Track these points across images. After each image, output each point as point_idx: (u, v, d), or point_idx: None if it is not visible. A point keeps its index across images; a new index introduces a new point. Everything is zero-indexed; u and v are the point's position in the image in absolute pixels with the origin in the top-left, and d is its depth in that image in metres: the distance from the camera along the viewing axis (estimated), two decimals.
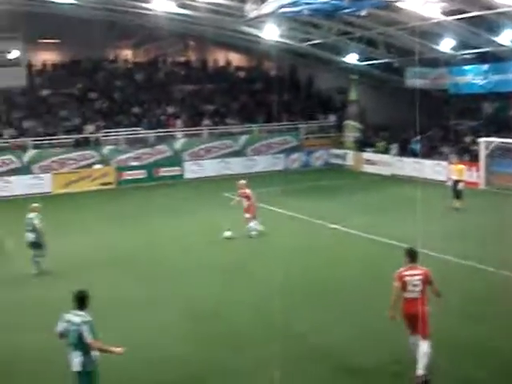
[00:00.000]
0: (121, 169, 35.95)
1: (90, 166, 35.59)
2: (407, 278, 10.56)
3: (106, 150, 36.36)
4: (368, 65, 38.71)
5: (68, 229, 23.79)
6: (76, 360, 9.06)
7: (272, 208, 25.13)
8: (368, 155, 38.27)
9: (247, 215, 21.62)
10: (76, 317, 9.12)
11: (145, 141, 38.04)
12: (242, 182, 22.14)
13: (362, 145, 39.68)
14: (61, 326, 9.22)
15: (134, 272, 18.14)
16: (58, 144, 36.24)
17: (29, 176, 33.86)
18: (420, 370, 10.37)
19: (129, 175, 35.91)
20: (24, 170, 34.19)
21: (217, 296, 15.58)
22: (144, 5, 32.62)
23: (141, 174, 36.20)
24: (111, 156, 36.34)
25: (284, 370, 10.49)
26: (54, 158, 35.04)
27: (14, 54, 42.07)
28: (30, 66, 42.71)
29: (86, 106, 40.68)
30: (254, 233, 21.48)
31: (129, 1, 33.09)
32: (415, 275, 10.58)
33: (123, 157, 36.69)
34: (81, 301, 9.24)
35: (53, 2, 34.69)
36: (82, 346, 9.02)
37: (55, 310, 12.77)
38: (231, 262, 18.82)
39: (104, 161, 35.98)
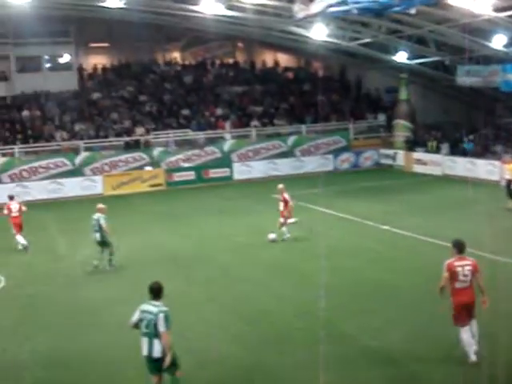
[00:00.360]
0: (170, 170, 36.25)
1: (140, 167, 36.00)
2: (458, 269, 10.86)
3: (156, 152, 36.71)
4: (418, 63, 38.14)
5: (120, 230, 23.99)
6: (156, 347, 9.49)
7: (321, 209, 24.96)
8: (419, 155, 37.67)
9: (282, 219, 21.23)
10: (153, 307, 9.59)
11: (194, 143, 38.31)
12: (281, 186, 21.90)
13: (412, 144, 39.10)
14: (136, 316, 9.67)
15: (183, 271, 18.25)
16: (109, 146, 36.79)
17: (81, 178, 34.43)
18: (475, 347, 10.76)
19: (178, 177, 36.16)
20: (76, 172, 34.78)
21: (265, 296, 15.56)
22: (192, 7, 32.79)
23: (190, 175, 36.43)
24: (161, 158, 36.67)
25: (336, 373, 10.37)
26: (106, 160, 35.58)
27: (66, 58, 42.93)
28: (81, 69, 43.49)
29: (136, 109, 41.19)
30: (287, 235, 21.18)
31: (176, 4, 33.29)
32: (466, 265, 10.89)
33: (173, 159, 36.98)
34: (157, 291, 9.70)
35: (103, 7, 35.11)
36: (159, 333, 9.47)
37: (116, 309, 12.97)
38: (280, 262, 18.79)
39: (154, 163, 36.33)
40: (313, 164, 38.60)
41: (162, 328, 9.41)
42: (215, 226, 24.62)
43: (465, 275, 10.84)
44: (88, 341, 13.08)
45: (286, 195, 21.30)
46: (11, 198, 22.75)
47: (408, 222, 23.04)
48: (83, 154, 35.44)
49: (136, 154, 36.32)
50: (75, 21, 40.90)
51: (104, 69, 44.64)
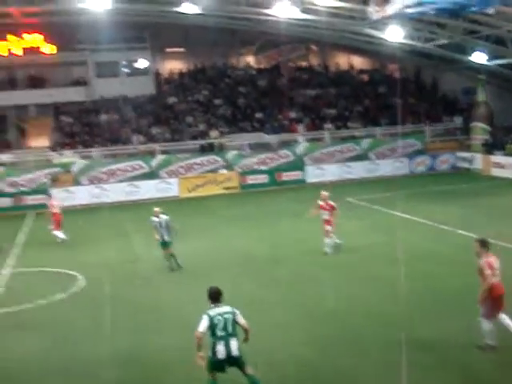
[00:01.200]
0: (244, 173, 36.50)
1: (214, 170, 36.38)
2: (495, 265, 11.74)
3: (230, 154, 37.03)
4: (496, 64, 37.14)
5: (194, 231, 24.42)
6: (235, 346, 9.90)
7: (396, 213, 24.57)
8: (497, 158, 36.62)
9: (328, 228, 20.09)
10: (223, 308, 10.05)
11: (268, 146, 38.45)
12: (325, 193, 21.29)
13: (490, 147, 38.06)
14: (206, 323, 9.85)
15: (256, 273, 18.33)
16: (185, 149, 37.35)
17: (157, 180, 35.09)
18: None
19: (252, 179, 36.40)
20: (152, 174, 35.48)
21: (337, 298, 15.43)
22: (266, 11, 32.97)
23: (263, 178, 36.61)
24: (235, 161, 36.96)
25: (412, 378, 10.19)
26: (181, 163, 36.14)
27: (143, 63, 43.87)
28: (157, 74, 44.35)
29: (210, 112, 41.70)
30: (328, 250, 20.06)
31: (251, 8, 33.55)
32: (496, 261, 11.85)
33: (246, 161, 37.22)
34: (218, 296, 10.15)
35: (178, 13, 35.76)
36: (235, 332, 9.97)
37: (192, 309, 13.07)
38: (353, 264, 18.62)
39: (228, 166, 36.65)
40: (387, 167, 38.05)
41: (242, 320, 10.05)
42: (287, 228, 24.61)
43: (497, 269, 11.73)
44: (165, 340, 13.30)
45: (332, 203, 20.45)
46: (50, 196, 25.80)
47: (486, 227, 22.39)
48: (159, 157, 36.13)
49: (211, 157, 36.75)
50: (151, 26, 41.79)
51: (180, 73, 45.38)
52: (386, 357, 11.51)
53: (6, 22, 38.76)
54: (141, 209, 31.25)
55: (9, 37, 40.48)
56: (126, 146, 37.57)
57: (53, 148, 37.91)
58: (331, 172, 37.53)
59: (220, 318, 9.87)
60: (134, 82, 42.66)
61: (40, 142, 40.23)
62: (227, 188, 35.70)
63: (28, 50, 41.07)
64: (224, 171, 36.39)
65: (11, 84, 42.45)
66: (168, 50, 45.77)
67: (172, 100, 42.83)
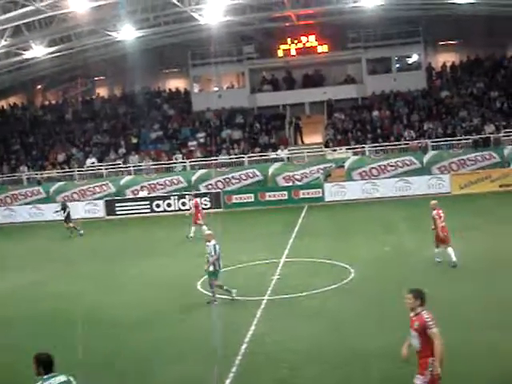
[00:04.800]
0: None
1: (489, 167, 34.66)
2: None
3: (507, 150, 34.96)
4: None
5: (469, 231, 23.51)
6: None
7: None
8: None
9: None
10: (58, 377, 8.12)
11: None
12: (434, 201, 19.37)
13: None
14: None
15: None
16: (457, 145, 36.16)
17: (428, 176, 34.49)
18: None
19: None
20: (424, 170, 34.95)
21: None
22: None
23: None
24: None
25: None
26: (453, 159, 35.08)
27: (414, 58, 43.41)
28: (429, 68, 43.56)
29: (485, 106, 39.88)
30: (439, 259, 18.83)
31: None
32: None
33: None
34: (51, 363, 8.14)
35: (451, 3, 34.75)
36: None
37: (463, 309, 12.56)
38: None
39: (504, 162, 34.68)
40: None
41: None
42: None
43: None
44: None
45: (435, 212, 18.84)
46: (196, 195, 29.10)
47: None
48: (431, 153, 35.47)
49: (485, 153, 35.08)
50: (423, 20, 41.11)
51: (452, 66, 44.07)
52: None
53: (284, 25, 41.04)
54: (411, 205, 30.99)
55: (288, 39, 42.69)
56: (398, 142, 37.46)
57: (326, 144, 39.22)
58: None
59: None
60: (405, 77, 42.36)
61: (314, 138, 41.87)
62: (503, 185, 33.75)
63: (303, 51, 42.93)
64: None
65: (289, 84, 44.75)
66: (441, 42, 44.69)
67: (444, 94, 41.74)
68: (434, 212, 18.92)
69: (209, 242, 16.86)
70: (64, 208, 30.98)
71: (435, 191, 33.28)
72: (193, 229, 26.33)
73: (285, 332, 14.21)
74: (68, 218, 30.70)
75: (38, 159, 43.16)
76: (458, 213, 27.26)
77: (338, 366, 12.16)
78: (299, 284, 17.95)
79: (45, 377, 7.93)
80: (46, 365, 8.02)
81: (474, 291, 15.92)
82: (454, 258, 18.33)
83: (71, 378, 8.14)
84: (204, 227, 24.31)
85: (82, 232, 30.41)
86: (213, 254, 16.59)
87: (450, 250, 18.49)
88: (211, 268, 16.66)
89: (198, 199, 28.66)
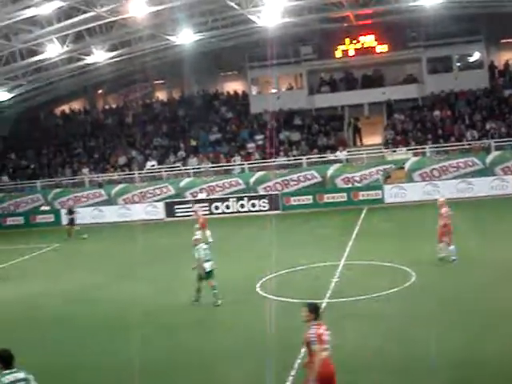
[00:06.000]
0: None
1: None
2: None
3: None
4: None
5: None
6: None
7: None
8: None
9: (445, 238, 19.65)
10: (17, 374, 8.72)
11: None
12: (441, 199, 19.91)
13: None
14: None
15: None
16: None
17: (491, 178, 33.65)
18: None
19: None
20: (487, 171, 34.11)
21: None
22: None
23: None
24: None
25: None
26: None
27: (476, 56, 42.50)
28: (492, 67, 42.57)
29: None
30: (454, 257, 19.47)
31: None
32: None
33: None
34: (12, 359, 8.72)
35: None
36: None
37: None
38: None
39: None
40: None
41: None
42: None
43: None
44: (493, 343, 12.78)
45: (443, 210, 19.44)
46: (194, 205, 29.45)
47: None
48: (494, 153, 34.60)
49: None
50: (485, 18, 40.17)
51: None
52: None
53: (342, 25, 40.75)
54: (473, 206, 30.36)
55: (346, 40, 42.38)
56: (459, 143, 36.69)
57: (385, 145, 38.74)
58: None
59: None
60: (466, 76, 41.50)
61: (373, 139, 41.43)
62: None
63: (361, 51, 42.55)
64: None
65: (348, 84, 44.41)
66: (503, 40, 43.59)
67: (508, 93, 40.68)
68: (444, 210, 19.64)
69: (196, 245, 17.61)
70: (71, 212, 33.07)
71: (499, 192, 32.52)
72: (208, 233, 26.10)
73: (345, 336, 14.02)
74: (72, 222, 32.79)
75: (100, 162, 44.06)
76: None
77: (398, 372, 11.96)
78: (359, 287, 17.75)
79: (5, 371, 8.56)
80: (7, 360, 8.60)
81: None
82: (454, 257, 19.52)
83: (30, 377, 8.68)
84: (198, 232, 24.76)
85: (85, 236, 32.17)
86: (200, 257, 17.36)
87: (452, 247, 19.60)
88: (203, 271, 17.29)
89: (198, 206, 29.27)
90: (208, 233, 25.58)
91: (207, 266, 17.40)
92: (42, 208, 39.86)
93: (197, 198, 37.34)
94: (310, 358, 9.52)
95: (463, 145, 36.36)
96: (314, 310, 9.71)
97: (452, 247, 19.71)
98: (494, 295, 16.10)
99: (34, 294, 21.04)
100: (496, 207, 30.12)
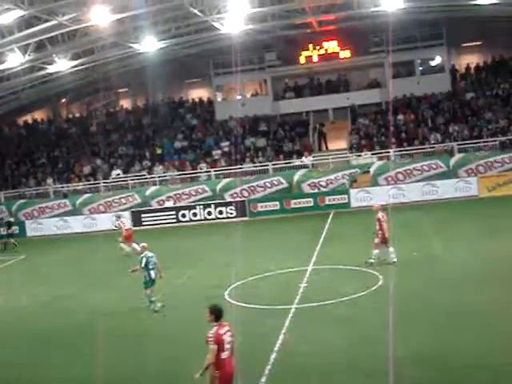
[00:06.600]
0: None
1: None
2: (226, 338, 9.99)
3: None
4: None
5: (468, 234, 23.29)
6: None
7: None
8: None
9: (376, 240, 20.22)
10: None
11: None
12: (377, 205, 20.72)
13: None
14: None
15: None
16: (484, 147, 35.71)
17: (455, 180, 34.08)
18: None
19: None
20: (450, 174, 34.54)
21: None
22: None
23: None
24: None
25: None
26: (480, 162, 34.60)
27: (438, 60, 43.08)
28: (453, 70, 43.18)
29: (511, 107, 39.38)
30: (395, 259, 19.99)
31: None
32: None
33: None
34: None
35: (475, 5, 34.41)
36: None
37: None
38: None
39: None
40: None
41: None
42: None
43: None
44: (461, 341, 12.92)
45: (380, 215, 19.98)
46: (118, 217, 29.52)
47: None
48: (457, 156, 35.07)
49: None
50: (446, 22, 40.77)
51: (476, 68, 43.63)
52: None
53: (305, 32, 40.97)
54: (437, 208, 30.74)
55: (309, 46, 42.62)
56: (423, 146, 37.13)
57: (350, 150, 39.01)
58: None
59: None
60: (429, 80, 42.07)
61: (338, 144, 41.69)
62: None
63: (325, 57, 42.83)
64: None
65: (312, 90, 44.65)
66: (464, 44, 44.27)
67: (469, 96, 41.33)
68: (380, 215, 20.00)
69: (141, 253, 17.94)
70: (9, 225, 33.97)
71: (462, 194, 32.98)
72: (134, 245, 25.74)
73: (314, 340, 14.08)
74: (12, 235, 33.60)
75: (64, 172, 43.58)
76: (487, 216, 27.02)
77: (369, 375, 12.01)
78: (327, 291, 17.83)
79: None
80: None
81: (503, 296, 15.72)
82: (395, 259, 19.93)
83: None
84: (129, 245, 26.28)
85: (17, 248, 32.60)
86: (142, 265, 17.65)
87: (392, 249, 20.07)
88: (144, 278, 17.65)
89: (122, 219, 29.19)
90: (135, 245, 25.12)
91: (152, 274, 17.62)
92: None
93: (162, 207, 37.15)
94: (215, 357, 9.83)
95: (427, 148, 36.77)
96: (214, 311, 10.06)
97: (391, 248, 20.17)
98: (458, 294, 16.33)
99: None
100: (459, 209, 30.57)
